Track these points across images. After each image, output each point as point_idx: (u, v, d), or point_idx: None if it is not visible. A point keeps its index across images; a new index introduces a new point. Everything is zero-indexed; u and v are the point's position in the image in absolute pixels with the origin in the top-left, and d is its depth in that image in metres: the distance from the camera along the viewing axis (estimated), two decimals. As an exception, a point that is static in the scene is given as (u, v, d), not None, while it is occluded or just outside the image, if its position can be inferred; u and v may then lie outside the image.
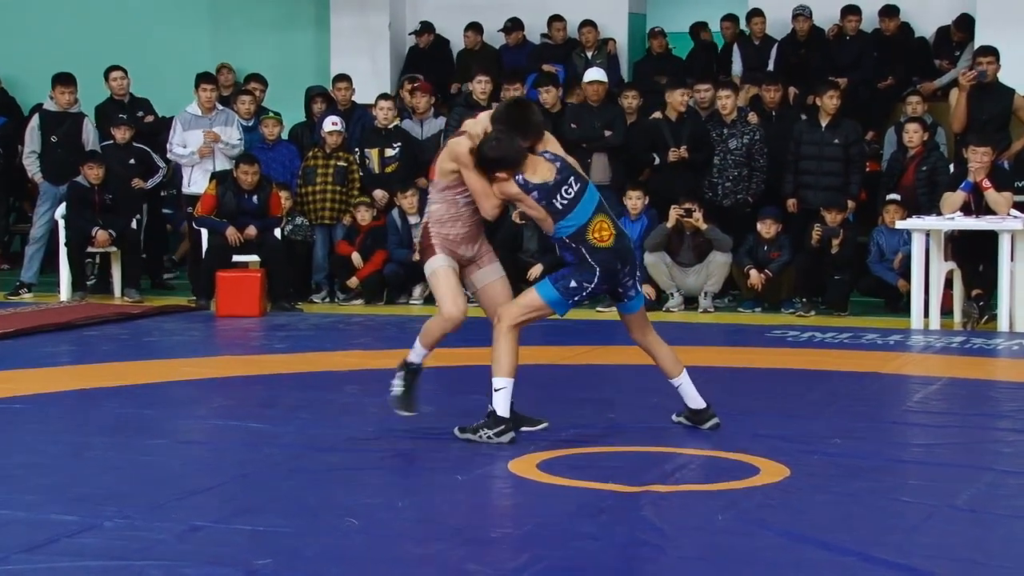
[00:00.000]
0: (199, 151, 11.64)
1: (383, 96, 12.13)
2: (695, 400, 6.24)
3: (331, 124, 11.72)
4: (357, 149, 11.89)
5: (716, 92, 11.52)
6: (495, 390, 5.91)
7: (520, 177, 5.89)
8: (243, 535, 4.59)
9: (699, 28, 14.19)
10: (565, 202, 5.88)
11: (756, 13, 13.20)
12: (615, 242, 5.97)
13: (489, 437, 5.87)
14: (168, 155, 11.97)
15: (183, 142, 11.74)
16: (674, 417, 6.31)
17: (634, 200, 11.12)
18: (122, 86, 12.50)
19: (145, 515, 4.79)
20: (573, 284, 5.93)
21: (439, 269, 6.09)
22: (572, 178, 5.93)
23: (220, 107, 11.96)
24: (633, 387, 7.29)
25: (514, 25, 13.79)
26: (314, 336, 9.68)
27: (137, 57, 13.85)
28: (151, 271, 12.64)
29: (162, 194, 12.57)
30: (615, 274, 5.97)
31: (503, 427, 5.88)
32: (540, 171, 5.90)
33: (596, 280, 5.93)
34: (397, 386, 6.18)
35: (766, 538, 4.59)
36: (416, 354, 6.19)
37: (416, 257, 6.55)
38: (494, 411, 5.91)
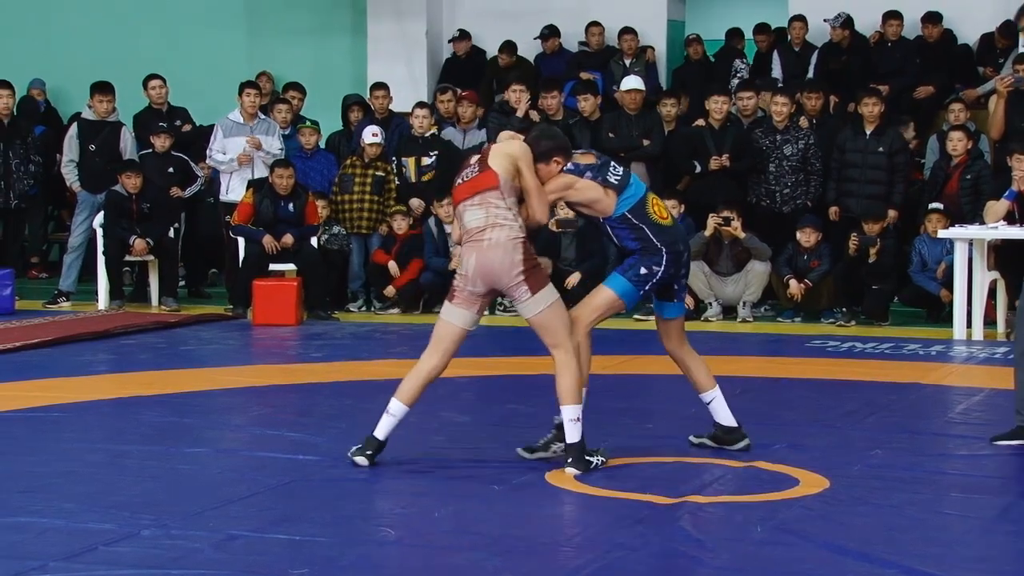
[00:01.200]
0: (238, 158, 11.72)
1: (420, 104, 12.15)
2: (726, 418, 6.08)
3: (371, 135, 11.76)
4: (394, 158, 11.93)
5: (772, 98, 11.49)
6: (571, 420, 5.67)
7: (570, 164, 5.82)
8: (280, 544, 4.62)
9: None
10: (619, 176, 5.86)
11: (797, 19, 13.16)
12: (674, 223, 5.98)
13: (555, 454, 5.80)
14: (208, 161, 12.05)
15: (223, 148, 11.82)
16: (693, 439, 6.13)
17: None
18: (161, 95, 12.58)
19: (182, 524, 4.83)
20: (643, 271, 5.79)
21: (560, 299, 5.69)
22: (612, 162, 5.96)
23: (262, 116, 12.05)
24: (671, 397, 7.28)
25: (551, 32, 13.81)
26: (351, 345, 9.72)
27: (175, 66, 13.95)
28: (192, 280, 12.73)
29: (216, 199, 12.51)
30: (679, 257, 5.85)
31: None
32: (583, 159, 5.91)
33: (664, 264, 5.79)
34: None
35: (806, 549, 4.59)
36: (578, 425, 5.61)
37: (521, 280, 5.60)
38: (570, 443, 5.68)
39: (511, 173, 5.65)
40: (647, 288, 5.86)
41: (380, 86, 12.75)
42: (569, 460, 5.62)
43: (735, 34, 13.87)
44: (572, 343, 5.66)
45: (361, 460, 5.68)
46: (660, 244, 5.80)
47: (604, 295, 5.85)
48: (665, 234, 5.84)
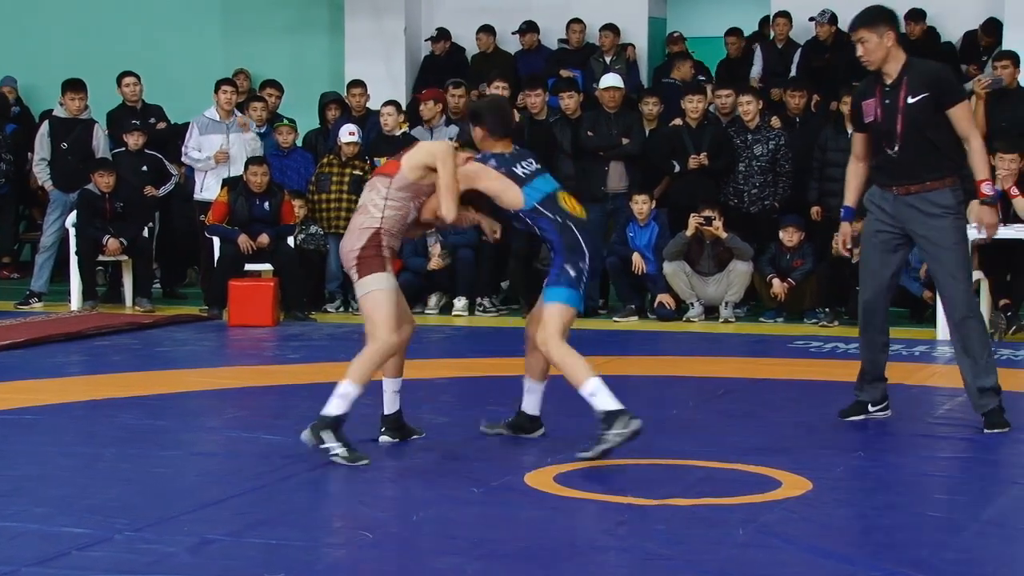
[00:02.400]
0: (215, 156, 11.69)
1: (388, 103, 12.11)
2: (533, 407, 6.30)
3: (348, 134, 11.74)
4: (367, 157, 11.92)
5: (739, 97, 11.50)
6: (591, 395, 5.78)
7: (478, 154, 6.04)
8: (256, 548, 4.61)
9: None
10: (527, 172, 6.00)
11: (781, 15, 13.19)
12: (586, 215, 6.11)
13: (620, 435, 5.71)
14: (183, 159, 12.02)
15: (199, 146, 11.80)
16: (487, 429, 6.37)
17: (640, 204, 11.09)
18: (135, 92, 12.55)
19: (156, 528, 4.81)
20: (573, 273, 5.91)
21: (386, 290, 5.85)
22: (531, 159, 6.11)
23: (238, 113, 12.03)
24: (651, 399, 7.29)
25: (528, 27, 13.82)
26: (328, 346, 9.71)
27: (150, 64, 13.92)
28: (167, 280, 12.70)
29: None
30: (599, 250, 6.01)
31: (624, 415, 5.74)
32: (499, 146, 6.07)
33: (587, 255, 5.92)
34: (337, 450, 5.74)
35: (788, 552, 4.59)
36: (345, 401, 5.78)
37: (354, 265, 5.88)
38: (605, 411, 5.74)
39: (416, 173, 5.88)
40: (584, 287, 5.96)
41: (357, 84, 12.74)
42: (310, 427, 5.78)
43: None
44: (386, 341, 5.81)
45: (386, 439, 6.12)
46: (578, 232, 5.91)
47: (556, 312, 5.90)
48: (581, 223, 5.96)
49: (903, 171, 6.41)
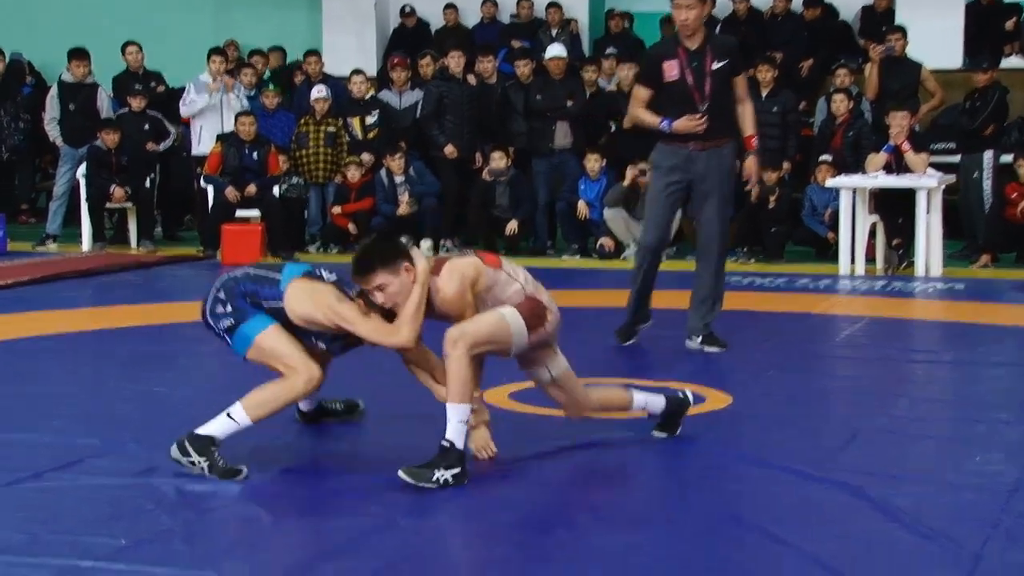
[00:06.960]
0: (209, 87, 11.43)
1: (356, 72, 12.01)
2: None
3: (317, 92, 11.66)
4: (340, 118, 11.80)
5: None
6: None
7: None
8: (245, 448, 4.57)
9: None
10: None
11: None
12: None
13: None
14: (181, 111, 11.78)
15: (194, 99, 11.59)
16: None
17: (592, 162, 11.06)
18: (137, 59, 12.38)
19: (158, 440, 4.75)
20: None
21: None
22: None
23: (226, 76, 11.84)
24: (591, 327, 7.28)
25: (488, 1, 13.80)
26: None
27: (148, 34, 13.70)
28: (167, 225, 12.61)
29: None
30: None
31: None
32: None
33: None
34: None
35: (712, 457, 4.61)
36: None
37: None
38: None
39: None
40: None
41: (313, 52, 12.64)
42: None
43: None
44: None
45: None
46: None
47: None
48: None
49: (704, 129, 6.39)
